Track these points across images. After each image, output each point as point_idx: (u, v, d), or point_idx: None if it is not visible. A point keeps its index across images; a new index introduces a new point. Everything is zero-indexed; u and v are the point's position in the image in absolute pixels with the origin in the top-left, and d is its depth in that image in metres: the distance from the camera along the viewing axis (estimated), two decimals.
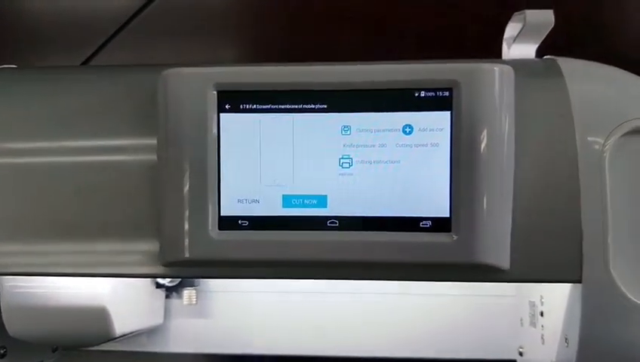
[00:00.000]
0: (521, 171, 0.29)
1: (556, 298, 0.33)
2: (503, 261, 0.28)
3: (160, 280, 0.40)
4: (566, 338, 0.31)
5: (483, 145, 0.28)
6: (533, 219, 0.29)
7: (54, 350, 0.42)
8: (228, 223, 0.29)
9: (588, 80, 0.31)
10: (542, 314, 0.36)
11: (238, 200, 0.29)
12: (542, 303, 0.36)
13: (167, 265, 0.30)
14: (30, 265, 0.31)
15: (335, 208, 0.28)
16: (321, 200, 0.29)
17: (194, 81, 0.29)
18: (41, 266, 0.31)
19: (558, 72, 0.31)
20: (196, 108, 0.29)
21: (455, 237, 0.28)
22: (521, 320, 0.40)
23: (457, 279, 0.29)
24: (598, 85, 0.31)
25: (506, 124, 0.28)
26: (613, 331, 0.29)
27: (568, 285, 0.31)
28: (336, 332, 0.42)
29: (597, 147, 0.29)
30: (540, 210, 0.29)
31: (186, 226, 0.29)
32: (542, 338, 0.36)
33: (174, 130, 0.29)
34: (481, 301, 0.42)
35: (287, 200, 0.29)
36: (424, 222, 0.28)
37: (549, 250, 0.29)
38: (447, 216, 0.28)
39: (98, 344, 0.37)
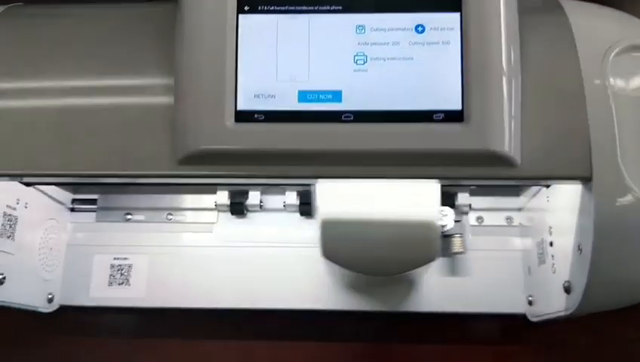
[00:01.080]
0: (527, 74, 0.30)
1: (566, 223, 0.33)
2: (515, 152, 0.29)
3: None
4: (579, 247, 0.31)
5: (492, 43, 0.29)
6: (541, 118, 0.30)
7: (50, 301, 0.41)
8: (244, 116, 0.29)
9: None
10: (551, 244, 0.36)
11: (255, 95, 0.29)
12: (550, 233, 0.36)
13: (182, 160, 0.30)
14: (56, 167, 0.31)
15: (350, 102, 0.29)
16: (337, 95, 0.29)
17: None
18: (66, 167, 0.31)
19: None
20: (215, 8, 0.30)
21: (467, 127, 0.28)
22: (529, 268, 0.40)
23: (470, 172, 0.29)
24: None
25: (512, 25, 0.29)
26: (626, 231, 0.30)
27: (577, 204, 0.32)
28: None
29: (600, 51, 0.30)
30: (547, 110, 0.30)
31: (203, 120, 0.29)
32: (552, 267, 0.36)
33: (193, 30, 0.30)
34: (486, 255, 0.42)
35: (303, 95, 0.29)
36: (437, 114, 0.29)
37: (558, 149, 0.30)
38: (460, 108, 0.29)
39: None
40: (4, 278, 0.36)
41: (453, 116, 0.29)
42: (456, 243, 0.39)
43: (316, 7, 0.30)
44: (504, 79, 0.29)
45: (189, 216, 0.43)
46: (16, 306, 0.38)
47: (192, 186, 0.43)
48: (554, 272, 0.36)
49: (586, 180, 0.29)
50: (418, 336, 0.42)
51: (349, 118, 0.29)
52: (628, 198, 0.29)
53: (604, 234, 0.29)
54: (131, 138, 0.31)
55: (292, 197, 0.41)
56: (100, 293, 0.42)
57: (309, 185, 0.36)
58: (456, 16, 0.29)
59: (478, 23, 0.29)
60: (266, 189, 0.42)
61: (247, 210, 0.43)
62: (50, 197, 0.41)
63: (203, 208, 0.43)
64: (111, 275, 0.43)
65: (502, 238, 0.42)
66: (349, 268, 0.32)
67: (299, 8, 0.30)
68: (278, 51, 0.30)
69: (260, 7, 0.30)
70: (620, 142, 0.29)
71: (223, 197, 0.42)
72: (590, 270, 0.30)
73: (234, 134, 0.29)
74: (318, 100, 0.29)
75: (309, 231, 0.42)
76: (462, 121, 0.29)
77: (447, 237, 0.39)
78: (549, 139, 0.29)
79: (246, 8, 0.30)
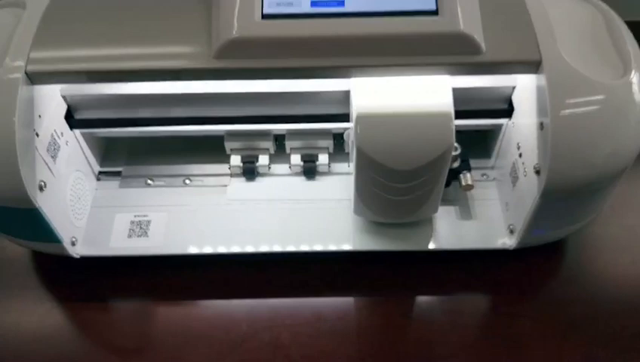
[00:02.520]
0: None
1: (529, 127, 0.40)
2: (479, 39, 0.37)
3: None
4: (541, 125, 0.38)
5: None
6: (494, 14, 0.39)
7: (73, 243, 0.44)
8: (269, 16, 0.38)
9: None
10: (520, 155, 0.42)
11: (277, 4, 0.38)
12: (518, 147, 0.43)
13: (217, 54, 0.37)
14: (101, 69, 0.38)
15: (350, 6, 0.38)
16: (341, 2, 0.38)
17: None
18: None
19: None
20: None
21: (441, 17, 0.37)
22: (507, 204, 0.46)
23: (446, 59, 0.37)
24: None
25: None
26: (577, 103, 0.37)
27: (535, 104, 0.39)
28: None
29: None
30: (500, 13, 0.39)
31: (235, 19, 0.37)
32: (524, 171, 0.41)
33: None
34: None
35: (314, 2, 0.38)
36: (418, 13, 0.38)
37: (512, 41, 0.38)
38: (435, 8, 0.38)
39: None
40: (45, 185, 0.40)
41: (430, 12, 0.38)
42: (467, 177, 0.45)
43: None
44: None
45: (205, 180, 0.49)
46: (48, 224, 0.41)
47: (208, 147, 0.49)
48: (525, 175, 0.41)
49: (537, 64, 0.38)
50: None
51: (349, 15, 0.38)
52: (573, 74, 0.37)
53: (559, 106, 0.37)
54: (174, 43, 0.39)
55: (297, 159, 0.48)
56: (119, 244, 0.46)
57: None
58: None
59: None
60: (274, 157, 0.49)
61: (258, 173, 0.48)
62: (84, 153, 0.47)
63: (218, 174, 0.49)
64: (130, 229, 0.46)
65: (480, 191, 0.48)
66: (380, 158, 0.38)
67: None
68: None
69: None
70: (558, 36, 0.38)
71: (236, 160, 0.48)
72: (552, 141, 0.37)
73: (260, 25, 0.37)
74: (327, 5, 0.38)
75: (312, 190, 0.48)
76: (437, 15, 0.38)
77: (456, 173, 0.46)
78: (504, 35, 0.38)
79: None
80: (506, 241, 0.45)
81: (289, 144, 0.48)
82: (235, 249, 0.45)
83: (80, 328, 0.44)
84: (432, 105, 0.39)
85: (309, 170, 0.48)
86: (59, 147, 0.42)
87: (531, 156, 0.40)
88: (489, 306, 0.45)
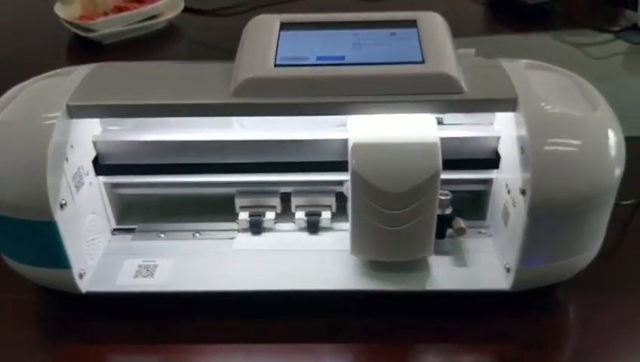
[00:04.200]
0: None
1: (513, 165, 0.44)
2: (461, 80, 0.43)
3: None
4: (521, 149, 0.42)
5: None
6: (474, 68, 0.45)
7: (81, 276, 0.46)
8: (280, 65, 0.44)
9: None
10: (509, 191, 0.45)
11: (288, 58, 0.45)
12: (507, 189, 0.46)
13: (234, 92, 0.43)
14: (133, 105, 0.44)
15: (350, 59, 0.44)
16: (341, 58, 0.45)
17: None
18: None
19: None
20: (267, 28, 0.48)
21: (427, 64, 0.43)
22: (502, 249, 0.47)
23: (429, 92, 0.43)
24: None
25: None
26: (552, 128, 0.41)
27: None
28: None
29: None
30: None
31: (252, 66, 0.44)
32: (513, 201, 0.44)
33: (252, 36, 0.47)
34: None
35: (319, 58, 0.45)
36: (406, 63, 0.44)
37: (490, 85, 0.44)
38: (421, 59, 0.44)
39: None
40: (65, 205, 0.43)
41: (417, 62, 0.44)
42: (459, 221, 0.48)
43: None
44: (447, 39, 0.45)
45: (213, 234, 0.51)
46: (62, 243, 0.43)
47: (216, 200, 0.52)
48: (514, 205, 0.44)
49: (514, 101, 0.43)
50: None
51: (349, 64, 0.44)
52: (548, 108, 0.42)
53: (537, 132, 0.41)
54: (198, 88, 0.45)
55: (301, 215, 0.51)
56: (125, 282, 0.47)
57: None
58: (414, 31, 0.47)
59: (430, 32, 0.47)
60: (280, 216, 0.52)
61: (264, 228, 0.51)
62: (103, 202, 0.50)
63: (226, 229, 0.52)
64: (137, 271, 0.48)
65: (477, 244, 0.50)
66: (373, 181, 0.42)
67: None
68: (304, 40, 0.47)
69: (293, 28, 0.48)
70: (532, 84, 0.44)
71: (244, 216, 0.51)
72: (532, 160, 0.40)
73: (273, 70, 0.43)
74: (330, 59, 0.45)
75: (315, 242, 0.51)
76: (423, 63, 0.44)
77: (449, 219, 0.48)
78: (483, 81, 0.44)
79: (285, 28, 0.48)
80: (502, 281, 0.45)
81: (294, 201, 0.51)
82: (238, 287, 0.46)
83: None
84: (420, 136, 0.44)
85: (313, 224, 0.51)
86: (82, 183, 0.46)
87: (517, 184, 0.43)
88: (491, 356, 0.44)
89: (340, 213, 0.52)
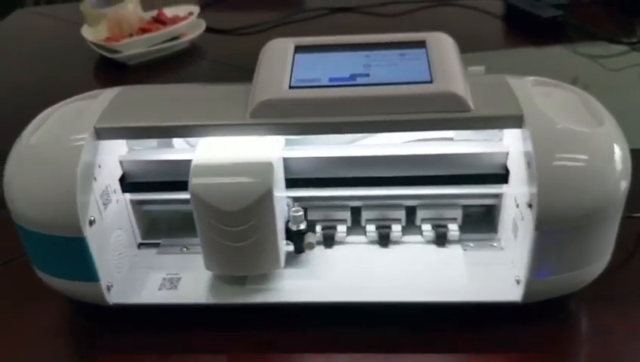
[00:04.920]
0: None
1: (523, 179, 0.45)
2: (468, 99, 0.44)
3: None
4: (528, 163, 0.43)
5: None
6: (481, 87, 0.46)
7: (109, 288, 0.48)
8: (295, 87, 0.46)
9: None
10: (517, 205, 0.47)
11: (302, 80, 0.47)
12: (516, 203, 0.47)
13: (252, 113, 0.45)
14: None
15: (361, 81, 0.47)
16: (353, 78, 0.47)
17: None
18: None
19: None
20: (282, 50, 0.50)
21: (435, 83, 0.45)
22: (512, 261, 0.49)
23: (437, 110, 0.44)
24: None
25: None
26: (555, 142, 0.43)
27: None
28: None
29: None
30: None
31: (267, 88, 0.46)
32: (521, 215, 0.46)
33: (268, 59, 0.49)
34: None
35: (332, 79, 0.47)
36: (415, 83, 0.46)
37: (497, 103, 0.45)
38: (429, 79, 0.46)
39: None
40: (94, 221, 0.45)
41: (426, 81, 0.46)
42: (309, 236, 0.51)
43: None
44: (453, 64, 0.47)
45: None
46: (91, 258, 0.45)
47: None
48: (522, 219, 0.45)
49: (520, 118, 0.44)
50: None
51: (360, 85, 0.46)
52: (553, 124, 0.43)
53: (542, 145, 0.42)
54: (219, 110, 0.47)
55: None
56: (150, 295, 0.49)
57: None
58: (423, 51, 0.49)
59: (438, 52, 0.49)
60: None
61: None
62: (129, 218, 0.53)
63: None
64: (162, 284, 0.50)
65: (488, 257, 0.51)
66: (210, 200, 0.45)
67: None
68: (317, 62, 0.49)
69: (306, 51, 0.51)
70: (537, 101, 0.45)
71: None
72: (539, 178, 0.42)
73: (287, 92, 0.46)
74: (341, 81, 0.47)
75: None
76: (431, 83, 0.46)
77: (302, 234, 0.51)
78: (490, 100, 0.45)
79: (299, 51, 0.50)
80: (513, 293, 0.47)
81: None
82: (254, 300, 0.48)
83: None
84: (257, 156, 0.47)
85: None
86: (110, 200, 0.49)
87: (524, 198, 0.44)
88: None
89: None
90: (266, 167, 0.46)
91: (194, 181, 0.46)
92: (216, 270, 0.50)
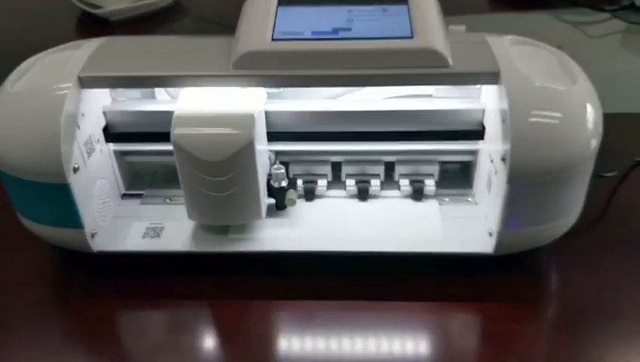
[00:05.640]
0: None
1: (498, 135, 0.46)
2: (447, 55, 0.45)
3: None
4: (502, 119, 0.44)
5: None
6: (460, 43, 0.47)
7: (92, 236, 0.49)
8: (277, 40, 0.47)
9: None
10: (492, 161, 0.48)
11: (284, 32, 0.47)
12: (491, 158, 0.48)
13: (234, 64, 0.46)
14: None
15: (342, 35, 0.47)
16: (335, 32, 0.47)
17: None
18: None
19: None
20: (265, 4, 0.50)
21: (415, 39, 0.46)
22: (486, 216, 0.50)
23: (416, 66, 0.45)
24: None
25: None
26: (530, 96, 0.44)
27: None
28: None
29: None
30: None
31: (249, 40, 0.46)
32: (495, 171, 0.47)
33: (252, 9, 0.50)
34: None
35: (314, 33, 0.48)
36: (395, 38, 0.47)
37: (474, 59, 0.46)
38: (410, 34, 0.47)
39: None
40: (78, 169, 0.46)
41: (406, 37, 0.47)
42: (291, 192, 0.52)
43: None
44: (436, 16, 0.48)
45: None
46: (75, 204, 0.46)
47: None
48: (496, 173, 0.47)
49: (496, 74, 0.45)
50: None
51: (341, 39, 0.47)
52: (528, 81, 0.45)
53: (517, 101, 0.43)
54: (201, 60, 0.48)
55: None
56: (133, 242, 0.50)
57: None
58: (405, 8, 0.50)
59: (419, 9, 0.49)
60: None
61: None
62: (113, 169, 0.54)
63: None
64: (145, 233, 0.51)
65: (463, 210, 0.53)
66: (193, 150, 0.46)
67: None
68: (301, 16, 0.49)
69: (290, 4, 0.51)
70: (514, 59, 0.46)
71: None
72: (513, 132, 0.43)
73: (270, 44, 0.46)
74: (323, 34, 0.47)
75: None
76: (412, 38, 0.46)
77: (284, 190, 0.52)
78: (468, 56, 0.46)
79: (282, 4, 0.51)
80: (486, 245, 0.48)
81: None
82: (234, 249, 0.50)
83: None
84: (239, 108, 0.47)
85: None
86: (93, 149, 0.50)
87: (499, 153, 0.46)
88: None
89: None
90: (248, 119, 0.47)
91: (176, 131, 0.46)
92: (199, 219, 0.51)
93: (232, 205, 0.49)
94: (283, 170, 0.52)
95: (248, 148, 0.46)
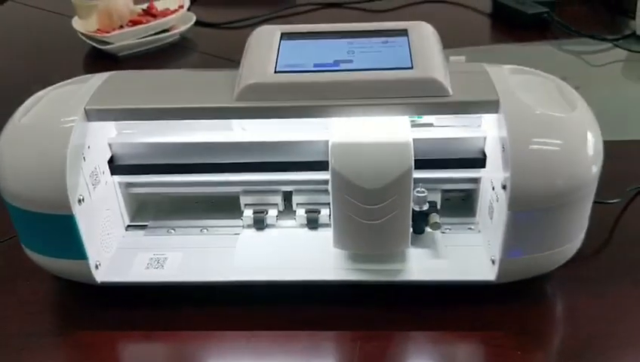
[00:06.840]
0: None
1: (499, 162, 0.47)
2: (447, 84, 0.46)
3: None
4: (503, 146, 0.45)
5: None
6: (460, 74, 0.48)
7: (97, 267, 0.49)
8: (280, 72, 0.48)
9: None
10: (493, 188, 0.49)
11: (287, 65, 0.48)
12: (492, 185, 0.49)
13: (237, 97, 0.47)
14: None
15: (344, 67, 0.48)
16: (337, 64, 0.48)
17: None
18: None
19: None
20: (269, 37, 0.52)
21: (415, 69, 0.47)
22: (488, 242, 0.50)
23: (417, 95, 0.46)
24: None
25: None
26: (531, 126, 0.45)
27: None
28: None
29: None
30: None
31: (253, 72, 0.47)
32: (496, 197, 0.47)
33: (255, 45, 0.51)
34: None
35: (316, 65, 0.48)
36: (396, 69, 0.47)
37: (474, 89, 0.47)
38: (410, 65, 0.47)
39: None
40: (83, 200, 0.47)
41: (406, 67, 0.47)
42: (434, 216, 0.51)
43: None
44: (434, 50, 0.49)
45: (220, 230, 0.55)
46: (79, 236, 0.47)
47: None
48: (497, 200, 0.47)
49: (496, 103, 0.46)
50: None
51: (343, 71, 0.48)
52: (528, 108, 0.45)
53: (516, 129, 0.44)
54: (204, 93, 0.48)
55: (302, 212, 0.55)
56: (137, 273, 0.51)
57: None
58: (405, 39, 0.51)
59: (419, 40, 0.50)
60: (281, 214, 0.55)
61: (267, 225, 0.55)
62: (118, 201, 0.54)
63: (231, 226, 0.55)
64: (149, 263, 0.52)
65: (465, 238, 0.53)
66: (351, 178, 0.46)
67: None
68: (303, 49, 0.50)
69: (292, 38, 0.52)
70: (513, 88, 0.47)
71: (248, 213, 0.55)
72: (512, 160, 0.43)
73: (273, 76, 0.47)
74: (325, 66, 0.48)
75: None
76: (412, 69, 0.47)
77: (425, 215, 0.52)
78: (468, 85, 0.47)
79: (285, 38, 0.52)
80: (488, 273, 0.48)
81: (295, 199, 0.55)
82: (240, 278, 0.50)
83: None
84: (394, 136, 0.48)
85: (312, 220, 0.54)
86: (98, 181, 0.50)
87: (499, 181, 0.46)
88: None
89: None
90: (405, 147, 0.47)
91: (335, 159, 0.47)
92: (347, 247, 0.51)
93: (383, 233, 0.49)
94: (426, 194, 0.52)
95: (407, 175, 0.46)
